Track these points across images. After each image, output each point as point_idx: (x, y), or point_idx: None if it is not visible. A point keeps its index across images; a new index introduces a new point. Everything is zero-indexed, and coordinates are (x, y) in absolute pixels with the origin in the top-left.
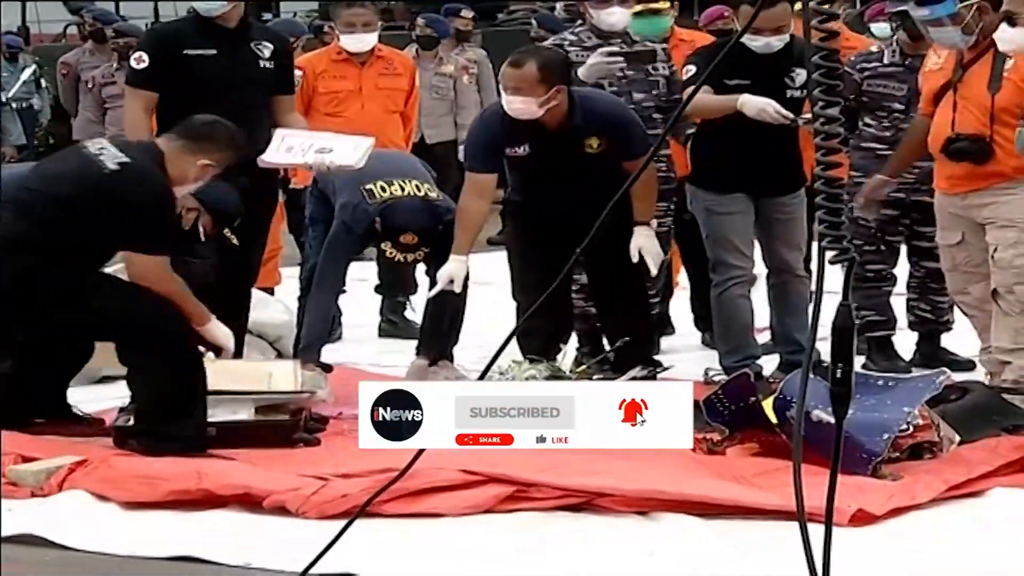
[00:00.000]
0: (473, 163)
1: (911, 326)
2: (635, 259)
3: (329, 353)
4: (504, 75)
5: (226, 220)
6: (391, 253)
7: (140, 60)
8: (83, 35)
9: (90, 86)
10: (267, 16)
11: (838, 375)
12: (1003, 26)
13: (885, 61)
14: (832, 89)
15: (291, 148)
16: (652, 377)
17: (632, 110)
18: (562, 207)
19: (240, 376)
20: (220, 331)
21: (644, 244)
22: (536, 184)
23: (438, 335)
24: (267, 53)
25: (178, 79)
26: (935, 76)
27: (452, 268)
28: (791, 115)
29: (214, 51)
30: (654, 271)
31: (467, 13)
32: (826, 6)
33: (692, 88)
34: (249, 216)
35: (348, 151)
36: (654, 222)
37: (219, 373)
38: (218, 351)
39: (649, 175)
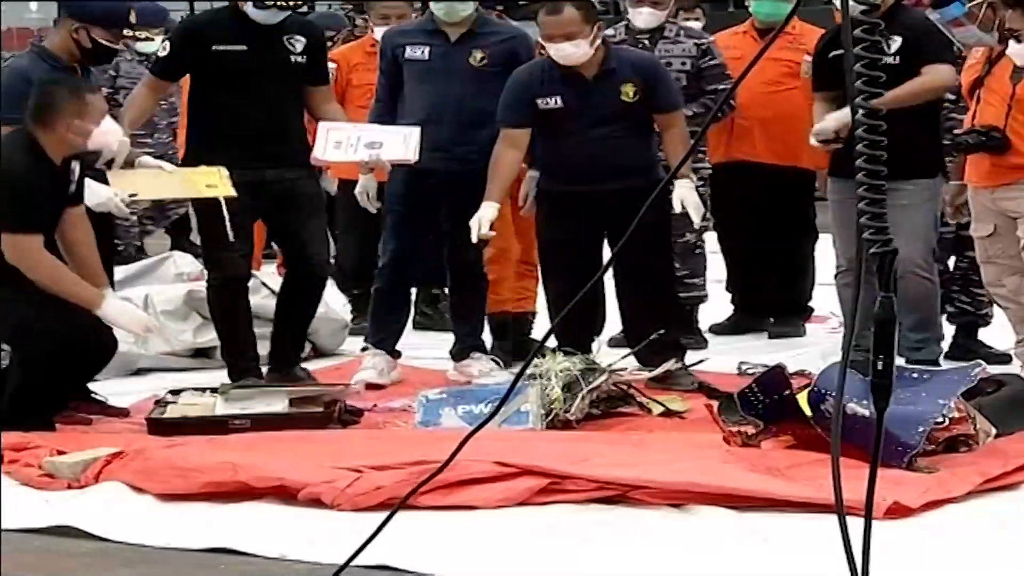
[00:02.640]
0: (505, 116)
1: (949, 318)
2: (678, 210)
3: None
4: (546, 25)
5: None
6: None
7: (163, 48)
8: None
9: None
10: (303, 9)
11: (879, 367)
12: (1011, 43)
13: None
14: (875, 80)
15: (339, 143)
16: (685, 369)
17: None
18: (589, 166)
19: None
20: (116, 309)
21: (685, 196)
22: (565, 139)
23: (468, 324)
24: (299, 47)
25: (207, 74)
26: (968, 73)
27: (484, 212)
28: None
29: (244, 47)
30: (697, 220)
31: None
32: None
33: (734, 83)
34: (291, 208)
35: (398, 144)
36: (693, 176)
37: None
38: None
39: (683, 131)
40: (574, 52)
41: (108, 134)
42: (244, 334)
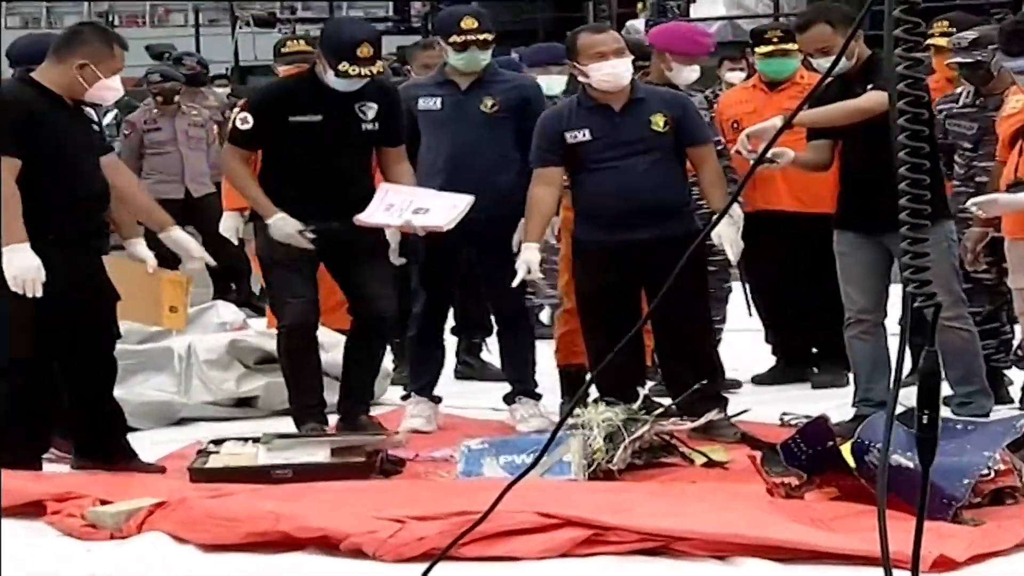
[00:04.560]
0: (535, 157)
1: (1018, 364)
2: (717, 244)
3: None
4: (597, 43)
5: None
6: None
7: (245, 121)
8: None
9: (127, 132)
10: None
11: (924, 421)
12: None
13: (960, 103)
14: (917, 128)
15: (391, 206)
16: (728, 420)
17: None
18: (623, 200)
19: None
20: (183, 238)
21: (723, 231)
22: (597, 173)
23: (517, 369)
24: (371, 114)
25: (282, 142)
26: (1009, 121)
27: (527, 256)
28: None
29: (319, 117)
30: (733, 259)
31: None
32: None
33: (779, 128)
34: (354, 255)
35: (444, 212)
36: (736, 210)
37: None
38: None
39: (717, 167)
40: (624, 70)
41: (110, 90)
42: (309, 380)
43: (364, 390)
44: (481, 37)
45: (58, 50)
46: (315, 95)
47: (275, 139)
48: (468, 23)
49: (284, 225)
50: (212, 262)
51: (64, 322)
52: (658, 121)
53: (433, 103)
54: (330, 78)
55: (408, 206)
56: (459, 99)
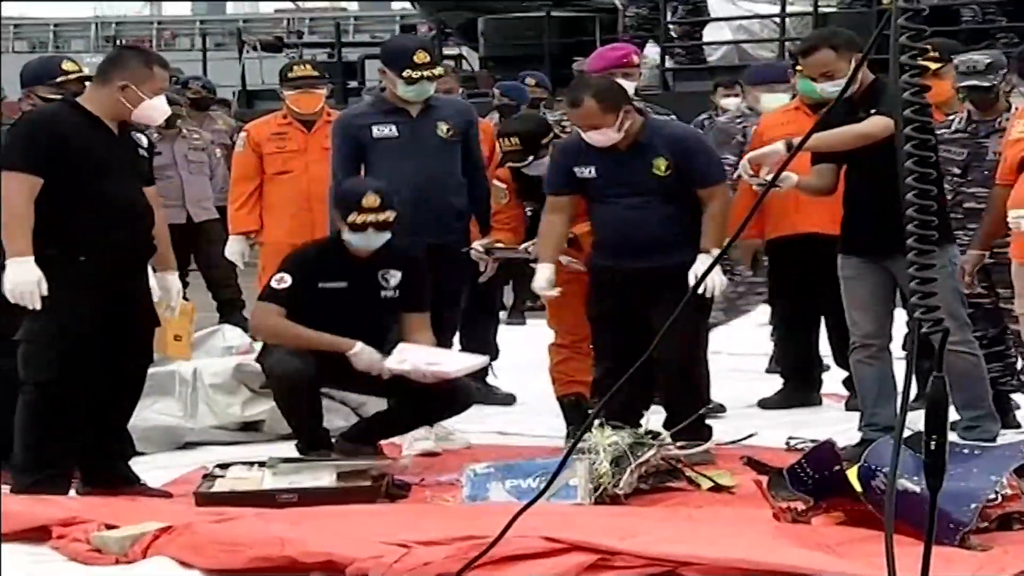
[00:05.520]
0: (548, 184)
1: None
2: (691, 283)
3: None
4: (569, 116)
5: None
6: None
7: (282, 281)
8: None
9: None
10: (352, 84)
11: (932, 447)
12: None
13: (952, 128)
14: (924, 155)
15: (404, 361)
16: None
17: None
18: (621, 237)
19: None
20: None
21: (698, 269)
22: (602, 208)
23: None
24: (393, 282)
25: (309, 306)
26: (1018, 146)
27: (541, 274)
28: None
29: (345, 283)
30: (716, 293)
31: (531, 80)
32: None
33: (788, 155)
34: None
35: (455, 365)
36: (715, 251)
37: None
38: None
39: (724, 204)
40: (600, 139)
41: (155, 109)
42: (308, 421)
43: (389, 434)
44: (432, 72)
45: (100, 74)
46: (342, 261)
47: (303, 302)
48: (421, 57)
49: (368, 354)
50: (161, 322)
51: (97, 342)
52: (660, 165)
53: (388, 130)
54: (401, 90)
55: (423, 358)
56: (414, 125)
